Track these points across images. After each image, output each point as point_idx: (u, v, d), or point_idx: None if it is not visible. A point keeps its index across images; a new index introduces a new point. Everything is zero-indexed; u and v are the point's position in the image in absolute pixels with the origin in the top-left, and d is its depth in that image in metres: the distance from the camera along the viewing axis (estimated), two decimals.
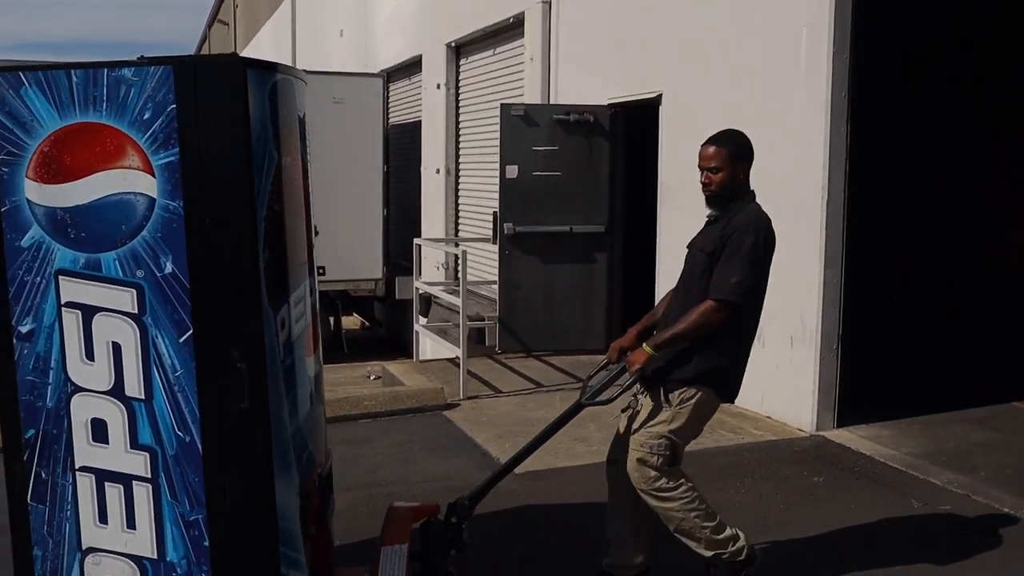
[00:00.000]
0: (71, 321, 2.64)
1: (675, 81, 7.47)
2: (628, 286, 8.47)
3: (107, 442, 2.68)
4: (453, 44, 11.54)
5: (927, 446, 5.48)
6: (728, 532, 3.54)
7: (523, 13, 9.61)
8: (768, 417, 6.06)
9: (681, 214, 7.25)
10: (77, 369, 2.65)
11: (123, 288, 2.61)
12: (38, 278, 2.62)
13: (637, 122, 8.23)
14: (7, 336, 2.64)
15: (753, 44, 6.38)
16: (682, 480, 3.48)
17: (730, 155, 3.43)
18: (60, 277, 2.62)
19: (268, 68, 2.73)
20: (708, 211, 3.52)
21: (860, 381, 6.11)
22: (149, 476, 2.69)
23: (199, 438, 2.68)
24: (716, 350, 3.39)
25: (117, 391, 2.67)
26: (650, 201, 7.85)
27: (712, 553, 3.52)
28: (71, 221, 2.60)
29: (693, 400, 3.41)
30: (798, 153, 5.96)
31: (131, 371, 2.65)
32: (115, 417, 2.67)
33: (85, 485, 2.71)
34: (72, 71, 2.55)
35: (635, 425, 3.49)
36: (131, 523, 2.70)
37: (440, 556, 3.35)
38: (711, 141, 3.48)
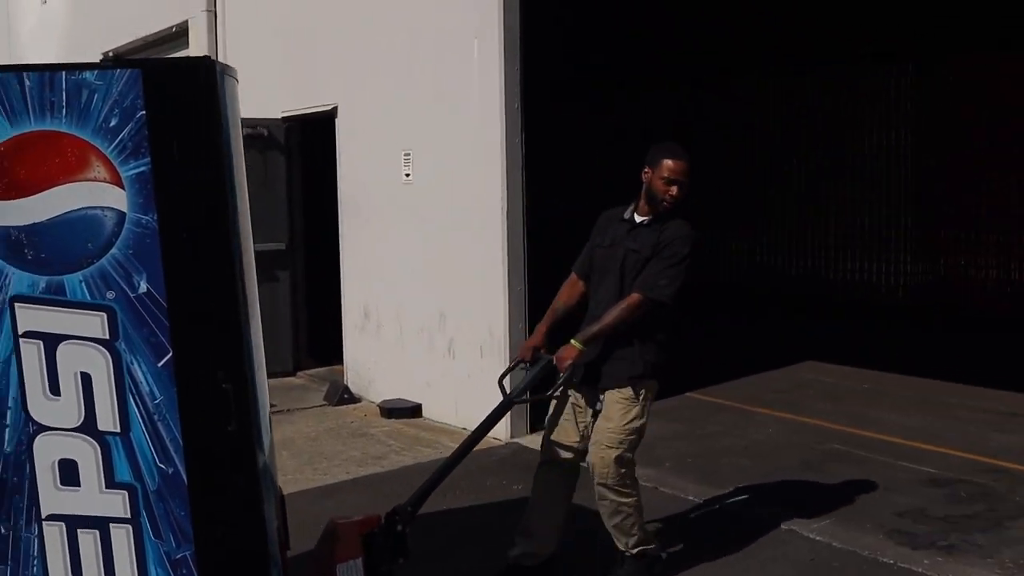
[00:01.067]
0: (31, 353, 2.42)
1: (351, 93, 7.47)
2: (314, 303, 8.33)
3: (78, 484, 2.49)
4: (111, 54, 10.86)
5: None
6: (649, 531, 3.91)
7: (187, 22, 9.30)
8: (464, 428, 6.13)
9: (364, 230, 7.38)
10: (40, 406, 2.44)
11: (91, 312, 2.44)
12: None
13: (318, 135, 8.14)
14: None
15: (428, 55, 6.50)
16: (636, 479, 3.78)
17: (691, 171, 3.70)
18: (16, 304, 2.41)
19: (229, 69, 2.66)
20: (631, 214, 3.73)
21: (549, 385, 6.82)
22: (129, 516, 2.52)
23: (183, 468, 2.55)
24: (661, 345, 3.73)
25: (88, 427, 2.48)
26: (334, 216, 7.82)
27: (638, 549, 3.82)
28: (28, 241, 2.40)
29: (651, 393, 3.74)
30: (477, 164, 6.19)
31: (104, 403, 2.48)
32: (87, 456, 2.48)
33: (54, 536, 2.48)
34: (24, 74, 2.37)
35: (608, 423, 3.68)
36: (110, 571, 2.51)
37: (389, 565, 3.38)
38: (682, 156, 3.68)
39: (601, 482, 3.70)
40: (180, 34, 9.60)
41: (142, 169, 2.43)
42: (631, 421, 3.68)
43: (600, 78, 12.41)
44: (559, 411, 3.91)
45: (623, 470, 3.69)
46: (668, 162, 3.62)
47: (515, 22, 5.99)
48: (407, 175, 6.88)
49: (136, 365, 2.48)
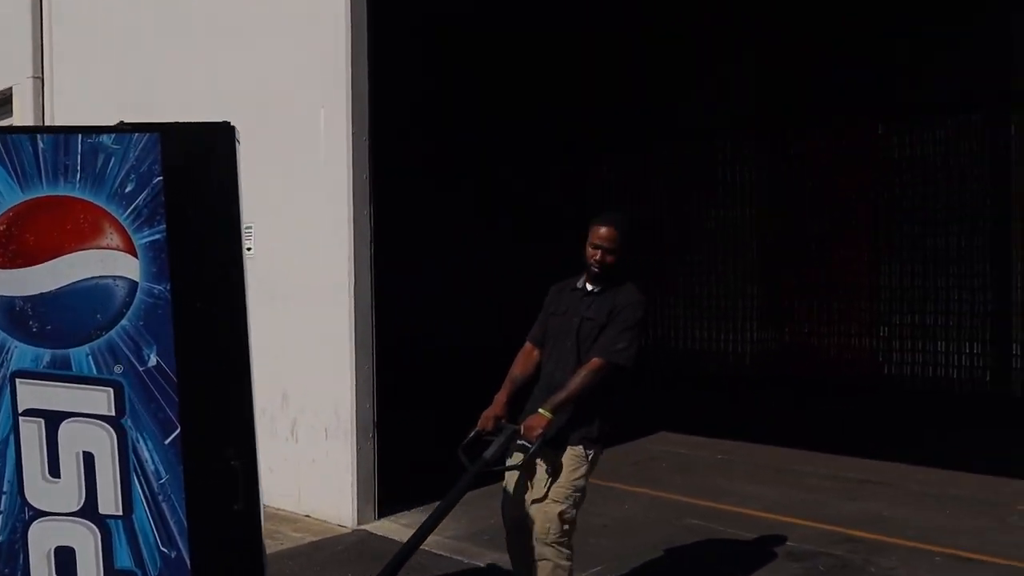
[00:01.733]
0: (31, 432, 2.39)
1: None
2: None
3: (75, 575, 2.45)
4: None
5: (468, 526, 5.71)
6: None
7: (11, 89, 8.90)
8: (307, 516, 6.09)
9: None
10: (37, 490, 2.40)
11: (97, 388, 2.42)
12: None
13: None
14: None
15: (274, 125, 6.37)
16: (572, 545, 3.98)
17: (622, 238, 3.93)
18: (17, 380, 2.38)
19: (238, 133, 2.67)
20: (583, 283, 4.00)
21: (398, 467, 6.29)
22: None
23: (187, 552, 2.49)
24: (609, 411, 3.98)
25: (88, 510, 2.44)
26: None
27: None
28: (33, 312, 2.40)
29: (596, 457, 3.99)
30: (325, 236, 6.16)
31: (106, 484, 2.44)
32: (86, 542, 2.43)
33: None
34: (38, 136, 2.38)
35: (556, 480, 3.90)
36: None
37: None
38: (606, 222, 3.96)
39: (542, 538, 3.87)
40: (4, 101, 9.24)
41: (157, 237, 2.45)
42: (578, 478, 3.90)
43: (454, 149, 12.60)
44: (514, 475, 4.06)
45: (565, 527, 3.88)
46: (593, 228, 3.96)
47: (364, 90, 6.00)
48: (248, 248, 6.54)
49: (142, 443, 2.46)
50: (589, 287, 4.00)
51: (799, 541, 5.54)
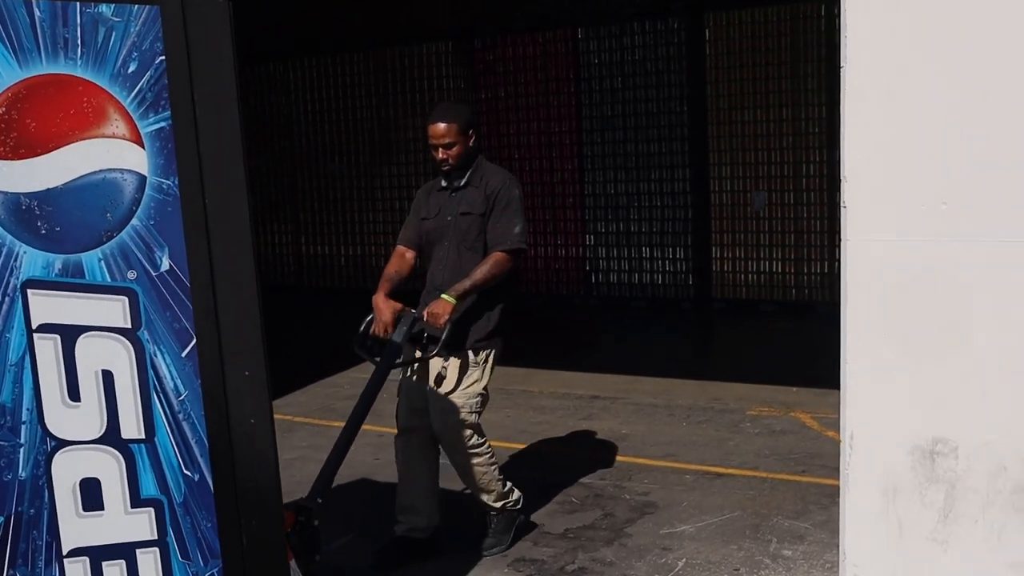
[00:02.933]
0: (47, 351, 2.33)
1: None
2: None
3: (102, 508, 2.44)
4: None
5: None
6: (508, 484, 4.61)
7: None
8: None
9: None
10: (59, 416, 2.36)
11: (112, 296, 2.41)
12: None
13: None
14: None
15: None
16: (485, 436, 4.44)
17: (461, 126, 4.29)
18: (29, 291, 2.31)
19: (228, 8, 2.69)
20: (448, 181, 4.35)
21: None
22: (156, 538, 2.52)
23: (210, 474, 2.60)
24: (503, 303, 4.38)
25: (112, 435, 2.44)
26: None
27: (500, 504, 4.56)
28: (40, 211, 2.31)
29: (494, 353, 4.37)
30: None
31: (127, 405, 2.46)
32: (111, 471, 2.44)
33: (77, 574, 2.42)
34: (35, 3, 2.26)
35: (447, 388, 4.30)
36: None
37: (307, 564, 3.64)
38: (437, 118, 4.30)
39: (455, 447, 4.34)
40: None
41: (162, 125, 2.46)
42: (471, 385, 4.31)
43: None
44: (408, 378, 4.43)
45: (468, 432, 4.33)
46: (429, 128, 4.32)
47: None
48: None
49: (160, 357, 2.49)
50: (453, 183, 4.38)
51: (545, 472, 5.80)
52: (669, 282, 11.58)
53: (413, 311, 4.27)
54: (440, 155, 4.30)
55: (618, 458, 6.07)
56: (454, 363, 4.31)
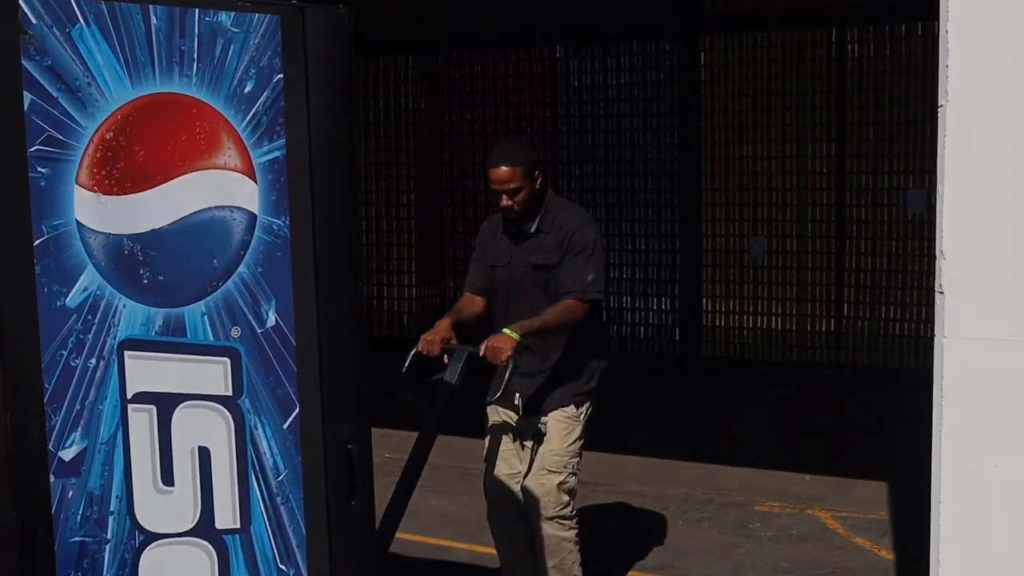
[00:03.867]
0: (141, 425, 2.16)
1: None
2: None
3: None
4: None
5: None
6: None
7: None
8: None
9: None
10: (149, 505, 2.18)
11: (214, 358, 2.25)
12: (91, 360, 2.10)
13: None
14: (41, 470, 2.03)
15: None
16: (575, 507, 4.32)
17: (525, 169, 4.18)
18: (126, 354, 2.15)
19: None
20: (519, 223, 4.22)
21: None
22: None
23: (305, 567, 2.42)
24: (605, 359, 4.36)
25: (204, 526, 2.27)
26: None
27: None
28: (145, 257, 2.16)
29: (590, 411, 4.31)
30: None
31: (223, 490, 2.29)
32: (201, 568, 2.26)
33: None
34: (151, 8, 2.11)
35: (549, 445, 4.23)
36: None
37: None
38: (501, 161, 4.20)
39: (542, 514, 4.22)
40: None
41: (276, 155, 2.31)
42: (573, 442, 4.26)
43: None
44: (497, 439, 4.35)
45: (566, 498, 4.25)
46: (489, 174, 4.23)
47: None
48: None
49: (260, 429, 2.33)
50: (529, 226, 4.26)
51: None
52: (653, 336, 10.96)
53: (469, 348, 4.02)
54: (504, 202, 4.20)
55: (604, 569, 5.35)
56: (556, 417, 4.26)
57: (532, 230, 4.27)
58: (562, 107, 11.57)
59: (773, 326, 10.65)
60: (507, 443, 4.37)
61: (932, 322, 2.80)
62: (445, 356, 4.04)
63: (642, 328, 11.31)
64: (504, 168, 4.19)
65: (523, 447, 4.36)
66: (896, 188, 10.00)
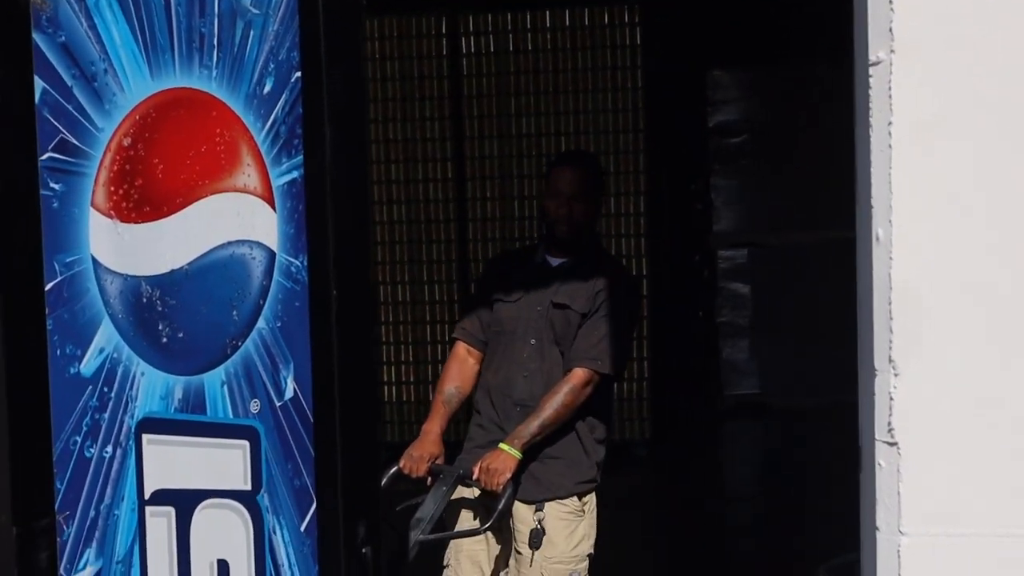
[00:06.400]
0: (159, 535, 1.94)
1: None
2: None
3: None
4: None
5: None
6: None
7: None
8: None
9: None
10: None
11: (233, 441, 1.90)
12: (108, 448, 1.93)
13: None
14: None
15: None
16: None
17: (595, 184, 3.95)
18: (144, 438, 1.93)
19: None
20: (543, 255, 3.94)
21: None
22: None
23: None
24: (607, 427, 4.02)
25: None
26: None
27: None
28: (164, 306, 1.91)
29: (594, 498, 3.94)
30: None
31: None
32: None
33: None
34: None
35: (550, 550, 3.79)
36: None
37: None
38: (572, 161, 4.19)
39: None
40: None
41: (294, 175, 1.84)
42: (579, 542, 3.89)
43: None
44: (483, 553, 3.88)
45: None
46: (554, 172, 3.98)
47: None
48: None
49: (279, 533, 1.90)
50: (553, 260, 3.95)
51: None
52: None
53: (459, 470, 3.71)
54: (560, 210, 3.85)
55: None
56: (554, 514, 3.87)
57: (562, 265, 3.96)
58: None
59: None
60: (475, 550, 3.88)
61: None
62: (429, 478, 3.74)
63: None
64: (576, 168, 4.01)
65: (498, 543, 3.88)
66: None
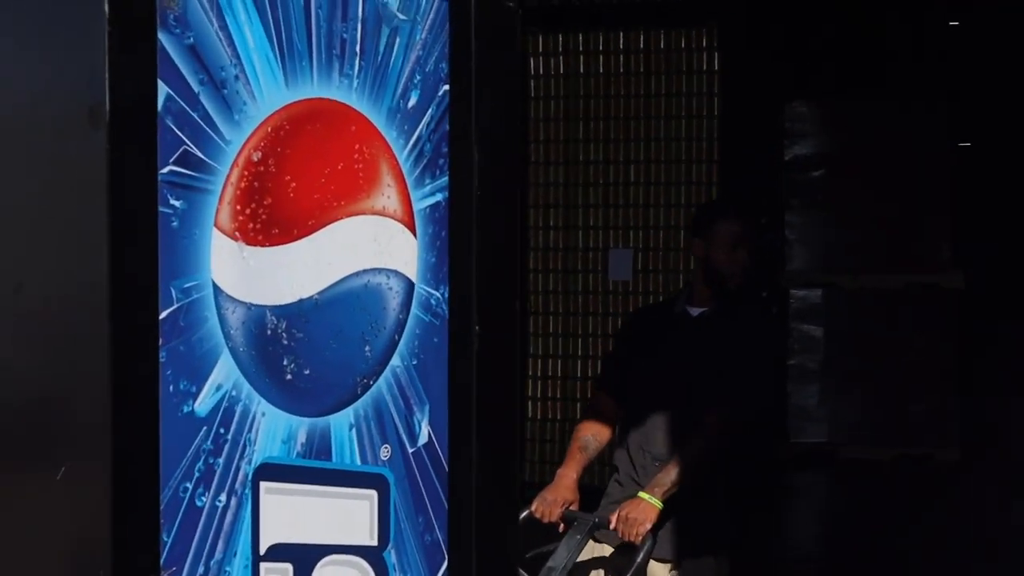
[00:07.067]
0: None
1: None
2: None
3: None
4: None
5: None
6: None
7: None
8: None
9: None
10: None
11: (360, 492, 1.78)
12: (221, 496, 1.81)
13: None
14: None
15: None
16: None
17: (752, 230, 4.01)
18: (263, 486, 1.82)
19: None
20: (683, 306, 3.96)
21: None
22: None
23: None
24: (740, 489, 3.85)
25: None
26: None
27: None
28: (290, 339, 1.79)
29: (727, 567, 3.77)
30: None
31: None
32: None
33: None
34: None
35: None
36: None
37: None
38: (737, 212, 4.10)
39: None
40: None
41: (438, 199, 1.74)
42: None
43: None
44: None
45: None
46: (727, 223, 3.96)
47: None
48: None
49: None
50: (694, 311, 3.93)
51: None
52: None
53: (595, 517, 3.68)
54: (737, 264, 3.89)
55: None
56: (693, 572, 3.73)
57: (702, 315, 3.92)
58: None
59: None
60: None
61: None
62: (562, 524, 3.66)
63: None
64: (744, 221, 4.06)
65: None
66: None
